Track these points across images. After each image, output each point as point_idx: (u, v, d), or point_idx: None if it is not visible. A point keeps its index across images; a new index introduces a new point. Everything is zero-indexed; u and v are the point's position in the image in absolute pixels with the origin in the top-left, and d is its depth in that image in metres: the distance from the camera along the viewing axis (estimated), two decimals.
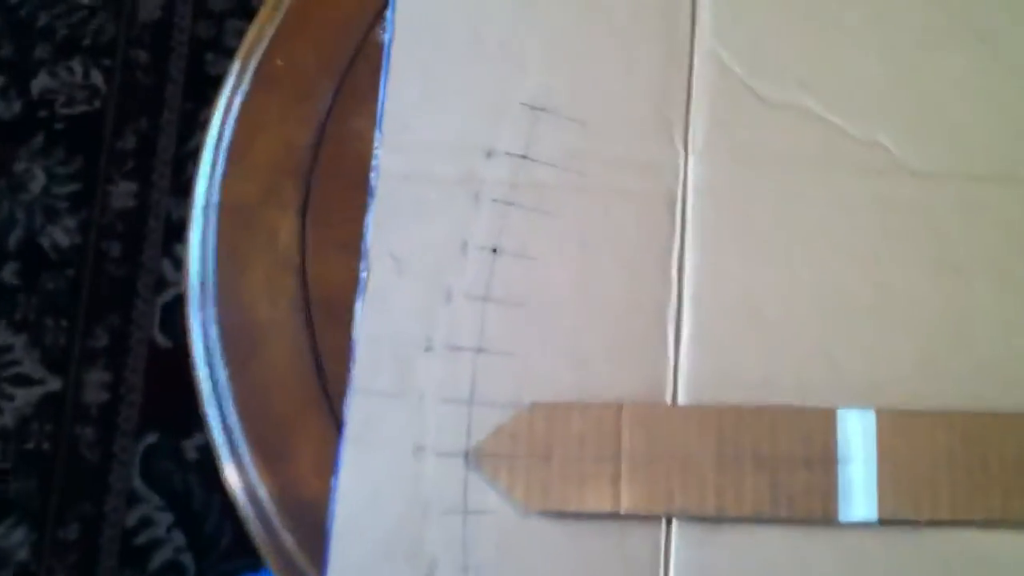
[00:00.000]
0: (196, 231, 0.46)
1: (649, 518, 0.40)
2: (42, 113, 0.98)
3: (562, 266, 0.43)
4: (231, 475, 0.44)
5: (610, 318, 0.42)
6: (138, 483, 0.90)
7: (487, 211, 0.43)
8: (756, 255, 0.43)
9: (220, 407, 0.44)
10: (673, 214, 0.43)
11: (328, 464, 0.41)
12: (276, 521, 0.43)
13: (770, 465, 0.40)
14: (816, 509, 0.39)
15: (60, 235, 0.95)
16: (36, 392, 0.92)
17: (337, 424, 0.42)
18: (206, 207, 0.46)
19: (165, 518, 0.89)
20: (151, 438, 0.91)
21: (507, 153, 0.44)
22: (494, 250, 0.43)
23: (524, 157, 0.44)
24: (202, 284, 0.45)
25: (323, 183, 0.45)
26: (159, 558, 0.89)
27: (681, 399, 0.41)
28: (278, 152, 0.45)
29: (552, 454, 0.40)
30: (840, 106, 0.44)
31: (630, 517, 0.39)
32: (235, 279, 0.45)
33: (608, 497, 0.39)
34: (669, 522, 0.40)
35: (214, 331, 0.45)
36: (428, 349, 0.42)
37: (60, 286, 0.94)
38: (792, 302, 0.42)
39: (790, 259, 0.43)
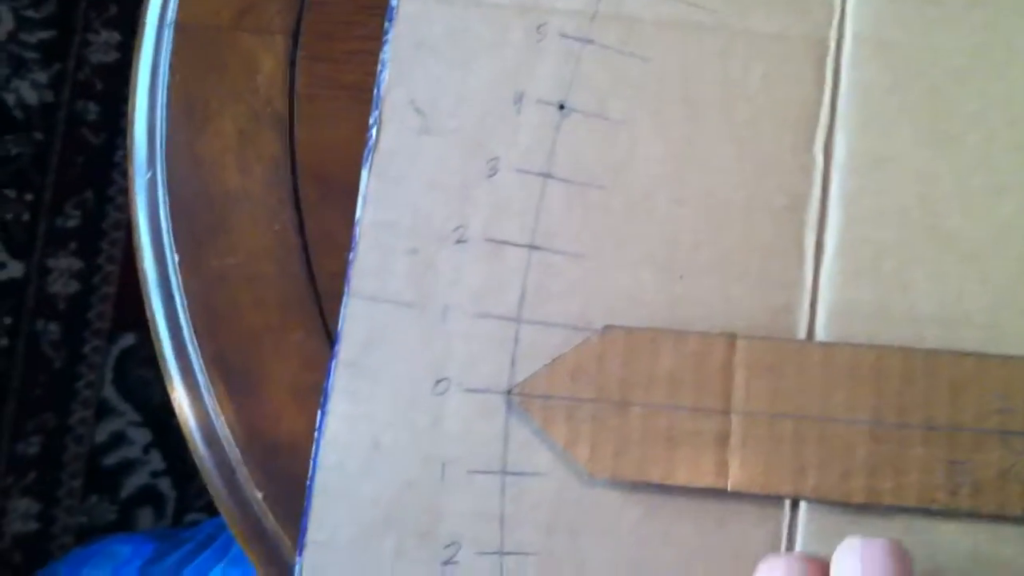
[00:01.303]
0: (145, 62, 0.37)
1: (767, 499, 0.33)
2: None
3: (657, 135, 0.35)
4: (181, 403, 0.36)
5: (722, 214, 0.35)
6: (110, 392, 0.89)
7: (553, 51, 0.36)
8: (939, 137, 0.35)
9: (168, 309, 0.36)
10: (822, 71, 0.36)
11: (312, 395, 0.35)
12: (239, 469, 0.36)
13: (949, 436, 0.33)
14: (1014, 501, 0.32)
15: (28, 91, 0.93)
16: None
17: (328, 340, 0.35)
18: (159, 28, 0.37)
19: (141, 435, 0.88)
20: (127, 340, 0.89)
21: None
22: (561, 107, 0.36)
23: None
24: (150, 135, 0.37)
25: (323, 0, 0.38)
26: (132, 483, 0.87)
27: (820, 333, 0.34)
28: None
29: (631, 400, 0.33)
30: None
31: (740, 496, 0.33)
32: (195, 131, 0.37)
33: (710, 466, 0.33)
34: (795, 506, 0.33)
35: (163, 202, 0.36)
36: (460, 241, 0.35)
37: (25, 152, 0.91)
38: (990, 207, 0.34)
39: (990, 144, 0.35)
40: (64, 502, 0.86)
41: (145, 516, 0.87)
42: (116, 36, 0.91)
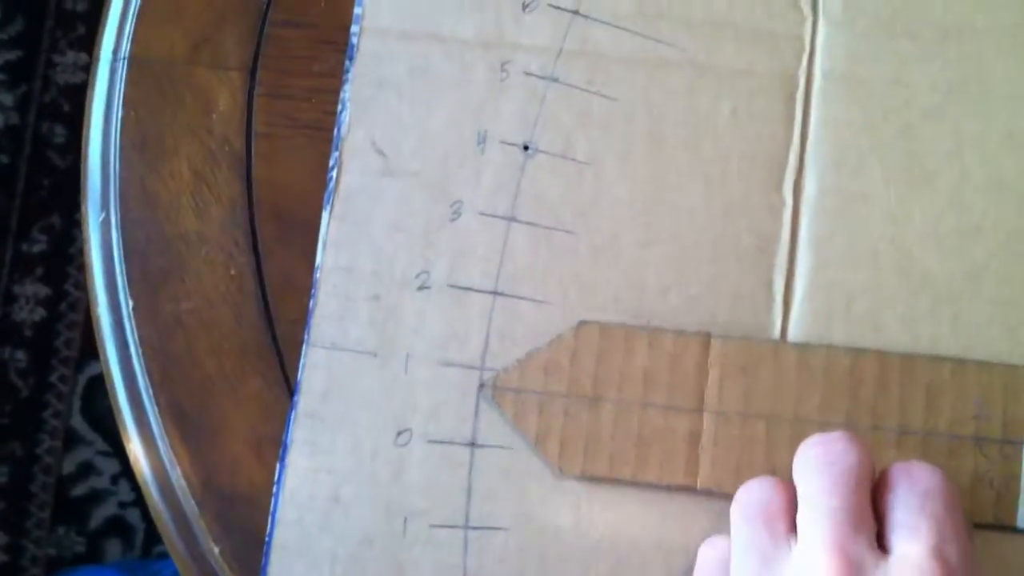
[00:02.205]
0: (99, 98, 0.37)
1: None
2: None
3: (624, 175, 0.35)
4: (136, 452, 0.35)
5: (690, 257, 0.34)
6: (77, 421, 0.88)
7: (518, 90, 0.36)
8: (911, 176, 0.34)
9: (122, 355, 0.35)
10: (791, 109, 0.35)
11: (270, 446, 0.34)
12: (195, 522, 0.35)
13: (922, 441, 0.32)
14: (985, 509, 0.32)
15: None
16: None
17: (287, 388, 0.35)
18: (113, 63, 0.36)
19: (109, 465, 0.87)
20: (95, 368, 0.88)
21: (551, 5, 0.36)
22: (525, 147, 0.35)
23: (576, 13, 0.36)
24: (103, 173, 0.36)
25: (281, 34, 0.37)
26: (100, 513, 0.87)
27: (793, 334, 0.34)
28: None
29: (603, 396, 0.33)
30: None
31: (711, 495, 0.33)
32: (150, 171, 0.36)
33: (680, 464, 0.33)
34: None
35: (117, 244, 0.35)
36: (423, 288, 0.34)
37: None
38: (963, 249, 0.34)
39: (963, 184, 0.34)
40: (32, 533, 0.85)
41: (113, 547, 0.85)
42: (83, 57, 0.90)
